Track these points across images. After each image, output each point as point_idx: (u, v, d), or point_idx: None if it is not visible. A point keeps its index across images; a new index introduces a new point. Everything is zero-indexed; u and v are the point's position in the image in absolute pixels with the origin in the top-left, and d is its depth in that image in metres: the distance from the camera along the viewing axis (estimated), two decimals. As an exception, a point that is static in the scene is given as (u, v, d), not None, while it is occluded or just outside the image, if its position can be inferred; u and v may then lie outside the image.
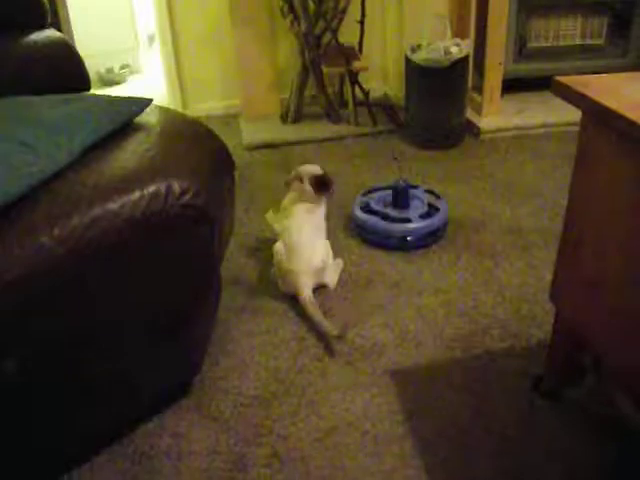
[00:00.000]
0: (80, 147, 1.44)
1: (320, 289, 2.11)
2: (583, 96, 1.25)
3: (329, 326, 1.88)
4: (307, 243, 2.07)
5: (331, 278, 2.15)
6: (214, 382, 1.76)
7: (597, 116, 1.26)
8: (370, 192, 2.56)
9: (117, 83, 4.64)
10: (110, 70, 4.66)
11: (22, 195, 1.28)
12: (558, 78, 1.33)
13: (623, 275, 1.28)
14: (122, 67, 4.73)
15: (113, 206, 1.30)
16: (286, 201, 2.20)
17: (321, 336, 1.90)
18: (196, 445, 1.58)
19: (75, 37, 3.28)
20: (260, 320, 2.00)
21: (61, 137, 1.43)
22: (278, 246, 2.10)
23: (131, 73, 4.80)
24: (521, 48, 3.55)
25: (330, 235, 2.18)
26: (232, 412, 1.67)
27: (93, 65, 3.49)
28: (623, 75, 1.35)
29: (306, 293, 2.00)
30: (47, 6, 2.04)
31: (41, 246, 1.21)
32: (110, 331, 1.40)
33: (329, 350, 1.86)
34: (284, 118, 3.59)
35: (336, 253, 2.16)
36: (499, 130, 3.32)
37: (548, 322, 1.77)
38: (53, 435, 1.42)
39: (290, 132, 3.46)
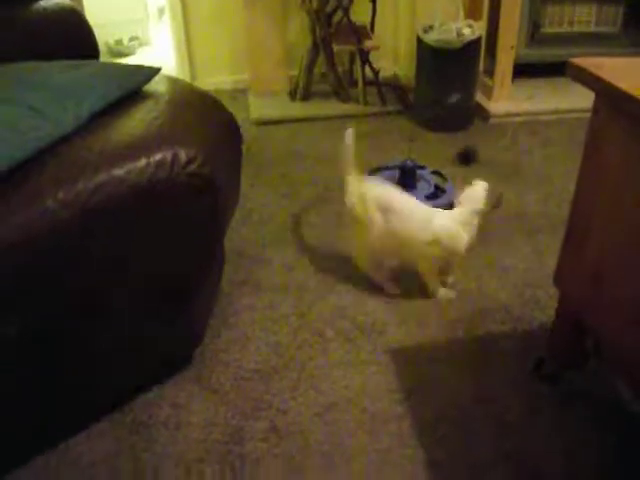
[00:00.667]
0: (88, 112, 1.43)
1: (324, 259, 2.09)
2: (597, 78, 1.23)
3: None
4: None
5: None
6: (215, 354, 1.76)
7: (610, 99, 1.25)
8: (377, 171, 2.55)
9: (126, 55, 4.61)
10: (119, 42, 4.63)
11: (28, 159, 1.27)
12: (572, 60, 1.31)
13: (627, 264, 1.27)
14: (131, 39, 4.70)
15: (119, 172, 1.30)
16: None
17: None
18: (195, 416, 1.58)
19: (85, 6, 3.25)
20: (262, 294, 2.00)
21: (69, 102, 1.42)
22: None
23: (140, 45, 4.77)
24: (534, 33, 3.52)
25: (334, 214, 2.16)
26: (232, 385, 1.67)
27: (102, 36, 3.44)
28: (638, 60, 1.33)
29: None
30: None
31: (45, 209, 1.21)
32: (112, 298, 1.40)
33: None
34: (292, 95, 3.57)
35: (340, 231, 2.14)
36: (509, 115, 3.30)
37: (551, 306, 1.77)
38: (53, 400, 1.43)
39: (298, 109, 3.44)
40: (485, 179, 2.62)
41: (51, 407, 1.44)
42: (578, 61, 1.30)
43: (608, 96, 1.25)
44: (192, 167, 1.37)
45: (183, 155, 1.37)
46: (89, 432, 1.54)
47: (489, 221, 2.28)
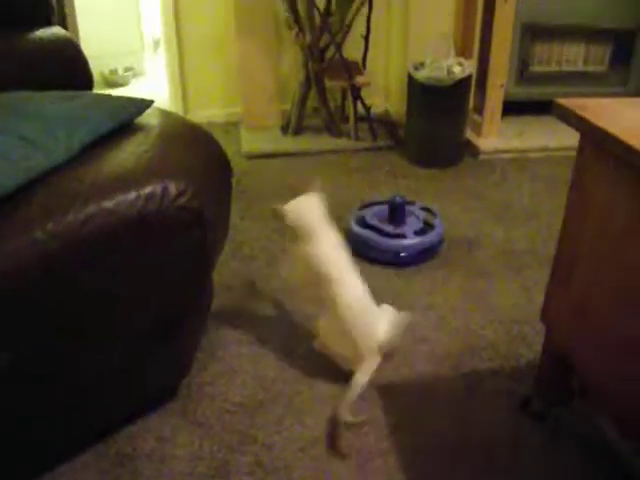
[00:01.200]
0: (79, 144, 1.44)
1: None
2: (581, 118, 1.26)
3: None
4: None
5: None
6: (201, 387, 1.76)
7: (594, 139, 1.27)
8: (366, 206, 2.56)
9: (120, 85, 4.64)
10: (114, 72, 4.67)
11: (19, 188, 1.28)
12: (558, 100, 1.34)
13: (613, 301, 1.28)
14: (126, 69, 4.74)
15: (109, 204, 1.30)
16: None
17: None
18: (180, 449, 1.57)
19: (81, 37, 3.28)
20: (250, 328, 1.99)
21: (61, 133, 1.43)
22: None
23: (134, 76, 4.80)
24: (523, 71, 3.57)
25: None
26: (217, 418, 1.66)
27: (97, 66, 3.48)
28: (622, 100, 1.36)
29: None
30: (54, 3, 2.05)
31: (35, 240, 1.21)
32: (100, 330, 1.39)
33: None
34: (285, 129, 3.59)
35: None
36: (498, 151, 3.33)
37: (538, 343, 1.77)
38: (38, 432, 1.41)
39: (290, 143, 3.47)
40: (474, 215, 2.65)
41: (35, 438, 1.43)
42: (563, 101, 1.33)
43: (592, 136, 1.27)
44: (182, 200, 1.38)
45: (173, 188, 1.38)
46: (73, 464, 1.53)
47: (477, 258, 2.30)
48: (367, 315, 1.77)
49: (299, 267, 1.82)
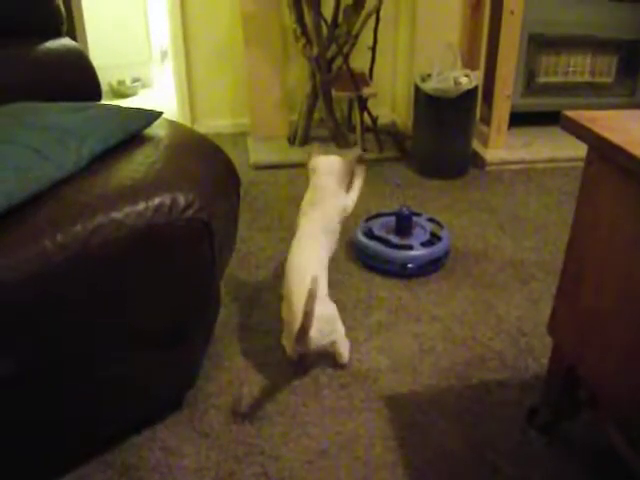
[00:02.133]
0: (89, 155, 1.45)
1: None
2: (589, 131, 1.26)
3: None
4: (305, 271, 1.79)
5: (344, 348, 1.88)
6: (207, 398, 1.76)
7: (603, 152, 1.27)
8: (373, 218, 2.57)
9: (128, 96, 4.67)
10: (122, 82, 4.70)
11: (28, 199, 1.29)
12: (566, 112, 1.34)
13: (621, 312, 1.28)
14: (134, 80, 4.77)
15: (117, 215, 1.31)
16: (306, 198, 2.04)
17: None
18: (185, 460, 1.57)
19: (89, 48, 3.31)
20: (257, 339, 2.00)
21: (71, 144, 1.44)
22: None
23: (142, 87, 4.83)
24: (530, 82, 3.58)
25: (331, 258, 2.15)
26: (223, 429, 1.66)
27: (105, 77, 3.50)
28: (630, 112, 1.36)
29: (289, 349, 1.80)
30: (63, 14, 2.06)
31: (43, 250, 1.21)
32: (106, 340, 1.40)
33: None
34: (291, 140, 3.60)
35: (336, 276, 2.14)
36: (505, 162, 3.33)
37: (545, 355, 1.77)
38: (43, 441, 1.41)
39: (297, 154, 3.46)
40: (481, 226, 2.65)
41: (40, 448, 1.43)
42: (571, 114, 1.33)
43: (600, 149, 1.27)
44: (190, 212, 1.39)
45: (181, 200, 1.38)
46: (78, 474, 1.53)
47: (484, 269, 2.30)
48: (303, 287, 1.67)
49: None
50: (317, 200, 2.00)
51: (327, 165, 2.06)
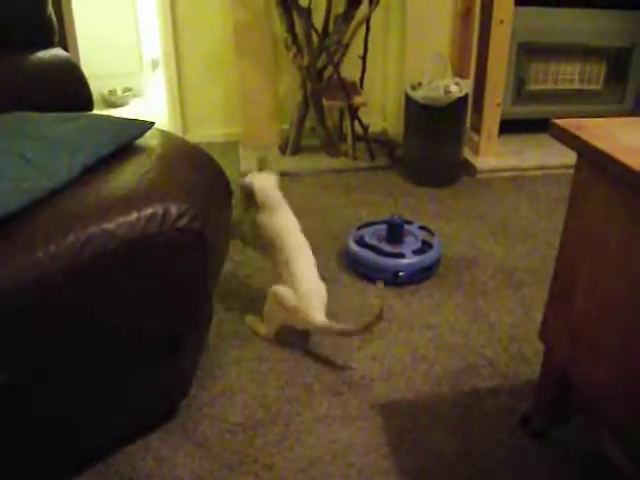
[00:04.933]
0: (81, 165, 1.45)
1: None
2: (577, 138, 1.27)
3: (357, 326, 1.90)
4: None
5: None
6: (201, 407, 1.76)
7: (591, 159, 1.28)
8: (365, 226, 2.57)
9: (119, 105, 4.68)
10: (113, 92, 4.70)
11: (20, 210, 1.29)
12: (554, 120, 1.35)
13: (612, 318, 1.29)
14: (125, 90, 4.77)
15: (110, 226, 1.31)
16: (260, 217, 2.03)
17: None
18: (179, 469, 1.57)
19: (80, 58, 3.31)
20: (250, 347, 2.00)
21: (63, 154, 1.44)
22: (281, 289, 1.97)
23: (133, 96, 4.84)
24: (520, 90, 3.60)
25: (323, 267, 2.17)
26: (217, 438, 1.66)
27: (96, 86, 3.49)
28: (618, 120, 1.37)
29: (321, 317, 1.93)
30: (55, 25, 2.07)
31: (36, 261, 1.22)
32: (99, 350, 1.40)
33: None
34: (283, 149, 3.61)
35: (328, 284, 2.14)
36: (495, 170, 3.35)
37: (537, 362, 1.78)
38: (35, 451, 1.41)
39: (288, 163, 3.48)
40: (472, 234, 2.66)
41: (32, 457, 1.42)
42: (559, 122, 1.34)
43: (588, 156, 1.28)
44: (183, 222, 1.39)
45: (174, 210, 1.39)
46: (73, 485, 1.53)
47: (476, 277, 2.31)
48: (315, 290, 1.98)
49: (257, 233, 2.03)
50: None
51: (271, 181, 2.07)
